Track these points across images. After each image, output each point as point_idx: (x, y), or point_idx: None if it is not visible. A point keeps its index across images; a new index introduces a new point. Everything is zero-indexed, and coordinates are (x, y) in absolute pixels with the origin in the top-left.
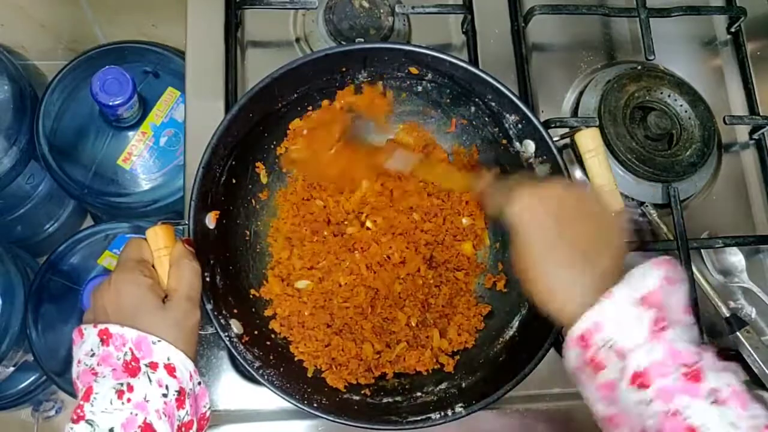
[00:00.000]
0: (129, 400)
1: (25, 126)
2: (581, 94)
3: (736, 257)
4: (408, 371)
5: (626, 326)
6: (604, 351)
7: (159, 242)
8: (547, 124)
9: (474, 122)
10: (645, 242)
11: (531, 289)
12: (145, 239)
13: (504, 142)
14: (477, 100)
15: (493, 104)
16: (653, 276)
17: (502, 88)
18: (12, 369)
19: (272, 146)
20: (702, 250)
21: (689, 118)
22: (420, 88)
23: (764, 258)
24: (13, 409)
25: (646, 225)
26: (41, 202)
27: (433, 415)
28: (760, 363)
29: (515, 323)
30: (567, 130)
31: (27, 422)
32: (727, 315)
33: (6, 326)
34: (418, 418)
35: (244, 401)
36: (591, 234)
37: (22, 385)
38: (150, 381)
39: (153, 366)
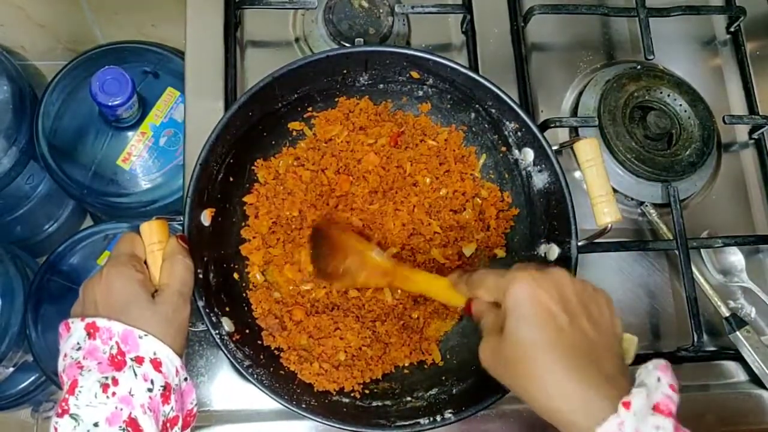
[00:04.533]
0: (114, 394)
1: (25, 126)
2: (581, 93)
3: (735, 257)
4: (397, 363)
5: None
6: None
7: (153, 237)
8: (546, 124)
9: (474, 129)
10: (644, 242)
11: (525, 389)
12: (139, 234)
13: (503, 149)
14: (477, 106)
15: (493, 111)
16: (664, 383)
17: (503, 95)
18: (12, 369)
19: (271, 146)
20: (702, 250)
21: (689, 118)
22: (421, 93)
23: (764, 258)
24: (12, 409)
25: (645, 225)
26: (41, 202)
27: (422, 420)
28: (760, 363)
29: None
30: (566, 131)
31: (27, 423)
32: (727, 315)
33: (6, 326)
34: (407, 423)
35: (243, 401)
36: (594, 330)
37: (22, 385)
38: (135, 375)
39: (139, 360)
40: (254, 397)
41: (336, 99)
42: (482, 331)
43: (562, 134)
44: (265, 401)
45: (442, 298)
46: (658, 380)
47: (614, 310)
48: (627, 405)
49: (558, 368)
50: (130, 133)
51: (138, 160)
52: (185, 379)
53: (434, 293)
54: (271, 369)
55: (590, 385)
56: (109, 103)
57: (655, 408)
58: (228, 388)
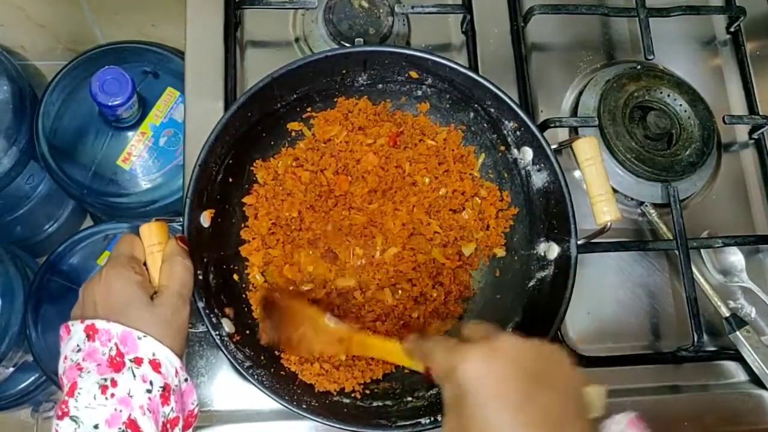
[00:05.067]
0: (113, 395)
1: (25, 126)
2: (581, 93)
3: (735, 257)
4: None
5: None
6: None
7: (152, 238)
8: (546, 124)
9: (473, 128)
10: (644, 242)
11: None
12: (138, 235)
13: (502, 148)
14: (476, 105)
15: (492, 110)
16: None
17: (502, 95)
18: (12, 369)
19: (270, 146)
20: (702, 250)
21: (689, 118)
22: (420, 93)
23: (764, 258)
24: (12, 409)
25: (645, 225)
26: (41, 202)
27: (422, 420)
28: (760, 363)
29: (508, 330)
30: (565, 131)
31: (27, 423)
32: (727, 315)
33: (6, 326)
34: (408, 423)
35: (243, 401)
36: (557, 398)
37: (22, 385)
38: (134, 376)
39: (137, 361)
40: (255, 397)
41: (335, 99)
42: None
43: (562, 134)
44: (266, 401)
45: (401, 363)
46: None
47: (574, 364)
48: None
49: None
50: (130, 133)
51: (138, 160)
52: (185, 380)
53: (392, 358)
54: (272, 370)
55: None
56: (109, 103)
57: None
58: (228, 388)
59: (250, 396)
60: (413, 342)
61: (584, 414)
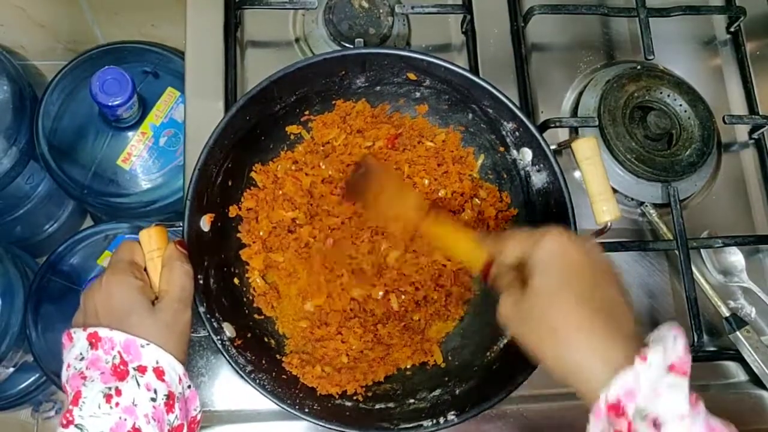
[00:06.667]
0: (117, 404)
1: (25, 126)
2: (581, 94)
3: (735, 257)
4: (399, 365)
5: (664, 395)
6: (638, 421)
7: (152, 244)
8: (546, 125)
9: (471, 129)
10: (645, 242)
11: (543, 342)
12: (138, 241)
13: (501, 149)
14: (474, 106)
15: (491, 111)
16: (681, 343)
17: (500, 95)
18: (12, 369)
19: (269, 150)
20: (702, 250)
21: (689, 118)
22: (418, 94)
23: (764, 258)
24: (12, 409)
25: (645, 225)
26: (41, 202)
27: (425, 422)
28: (760, 363)
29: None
30: (566, 131)
31: (27, 423)
32: (727, 315)
33: (6, 327)
34: (410, 425)
35: (244, 402)
36: (617, 292)
37: (22, 385)
38: (138, 385)
39: (141, 369)
40: (255, 397)
41: (333, 102)
42: (500, 290)
43: (563, 134)
44: (267, 402)
45: (463, 254)
46: (674, 339)
47: None
48: (644, 358)
49: (582, 320)
50: (130, 133)
51: (138, 160)
52: (188, 387)
53: (457, 246)
54: (273, 374)
55: (613, 339)
56: (109, 103)
57: (671, 368)
58: (229, 388)
59: (251, 396)
60: (484, 233)
61: (634, 316)
